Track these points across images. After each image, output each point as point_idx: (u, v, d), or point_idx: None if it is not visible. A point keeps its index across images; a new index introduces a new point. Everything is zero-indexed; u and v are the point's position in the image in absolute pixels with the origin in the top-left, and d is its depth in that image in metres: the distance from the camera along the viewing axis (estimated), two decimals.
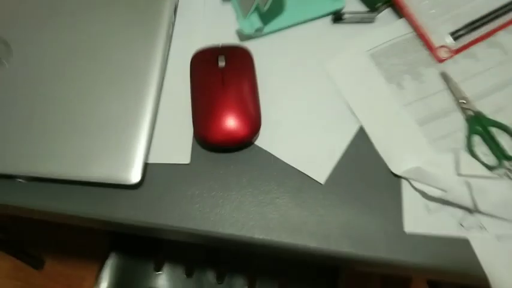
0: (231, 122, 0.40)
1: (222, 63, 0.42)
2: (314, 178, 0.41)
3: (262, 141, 0.42)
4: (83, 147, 0.39)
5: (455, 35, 0.46)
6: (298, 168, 0.41)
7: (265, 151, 0.42)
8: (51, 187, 0.40)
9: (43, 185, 0.40)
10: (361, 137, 0.42)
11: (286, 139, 0.42)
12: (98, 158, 0.38)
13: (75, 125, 0.39)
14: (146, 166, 0.40)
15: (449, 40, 0.46)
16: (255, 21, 0.45)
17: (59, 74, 0.42)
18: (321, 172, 0.41)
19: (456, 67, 0.45)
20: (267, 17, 0.46)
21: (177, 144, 0.41)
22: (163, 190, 0.40)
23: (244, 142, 0.41)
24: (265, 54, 0.45)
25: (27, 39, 0.43)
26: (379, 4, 0.47)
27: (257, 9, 0.44)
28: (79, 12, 0.45)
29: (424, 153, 0.41)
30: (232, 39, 0.47)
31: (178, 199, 0.40)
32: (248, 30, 0.45)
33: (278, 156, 0.42)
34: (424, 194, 0.40)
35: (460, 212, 0.39)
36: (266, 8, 0.43)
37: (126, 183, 0.37)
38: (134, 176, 0.38)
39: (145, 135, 0.39)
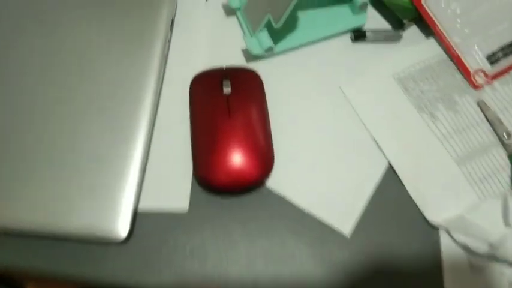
0: (239, 161, 0.33)
1: (227, 89, 0.36)
2: (337, 228, 0.34)
3: (273, 182, 0.36)
4: (58, 194, 0.31)
5: (492, 58, 0.41)
6: (317, 216, 0.35)
7: (277, 194, 0.35)
8: (23, 241, 0.33)
9: (12, 239, 0.33)
10: (390, 177, 0.36)
11: (302, 179, 0.36)
12: (76, 208, 0.31)
13: (49, 164, 0.32)
14: (136, 215, 0.33)
15: (485, 63, 0.40)
16: (265, 39, 0.39)
17: (32, 100, 0.35)
18: (344, 221, 0.34)
19: (494, 95, 0.40)
20: (278, 34, 0.39)
21: (173, 188, 0.35)
22: (157, 243, 0.33)
23: (254, 185, 0.35)
24: (276, 78, 0.39)
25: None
26: (407, 21, 0.41)
27: (268, 25, 0.38)
28: (59, 28, 0.38)
29: (465, 198, 0.35)
30: (238, 60, 0.40)
31: (175, 254, 0.33)
32: (257, 50, 0.39)
33: (292, 201, 0.35)
34: (467, 249, 0.33)
35: (511, 271, 0.33)
36: (280, 24, 0.36)
37: (112, 239, 0.31)
38: (121, 229, 0.31)
39: (135, 177, 0.32)
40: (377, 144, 0.37)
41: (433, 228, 0.34)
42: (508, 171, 0.37)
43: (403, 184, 0.36)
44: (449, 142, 0.37)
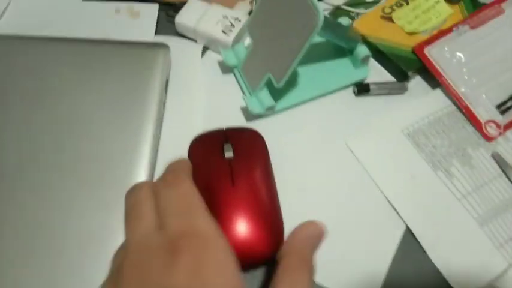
0: (246, 235, 0.30)
1: (229, 154, 0.33)
2: None
3: None
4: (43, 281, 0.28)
5: (503, 107, 0.39)
6: None
7: None
8: None
9: None
10: (410, 242, 0.33)
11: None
12: None
13: (34, 243, 0.29)
14: None
15: (496, 114, 0.39)
16: (265, 97, 0.37)
17: (14, 177, 0.32)
18: None
19: (509, 145, 0.38)
20: (279, 91, 0.37)
21: None
22: None
23: (263, 261, 0.31)
24: (278, 135, 0.37)
25: None
26: (411, 72, 0.40)
27: (268, 83, 0.36)
28: (53, 93, 0.35)
29: (493, 263, 0.32)
30: (237, 119, 0.38)
31: None
32: (257, 109, 0.37)
33: None
34: None
35: None
36: (281, 84, 0.34)
37: None
38: None
39: None
40: (391, 205, 0.34)
41: None
42: None
43: (424, 250, 0.33)
44: (468, 201, 0.35)
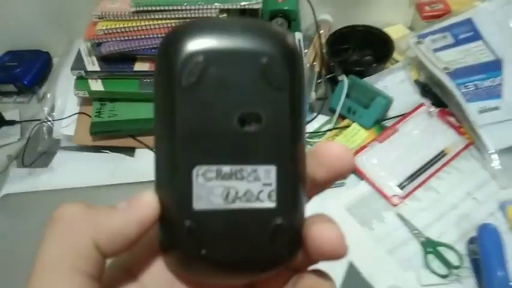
0: None
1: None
2: None
3: None
4: None
5: (401, 186, 0.68)
6: None
7: None
8: None
9: None
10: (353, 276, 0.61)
11: None
12: None
13: None
14: None
15: (397, 190, 0.68)
16: None
17: None
18: None
19: (406, 208, 0.66)
20: None
21: None
22: None
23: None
24: None
25: None
26: None
27: None
28: None
29: (396, 275, 0.59)
30: None
31: None
32: None
33: None
34: None
35: None
36: None
37: None
38: None
39: None
40: None
41: None
42: (421, 253, 0.61)
43: (361, 275, 0.60)
44: (383, 243, 0.62)
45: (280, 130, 0.19)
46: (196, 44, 0.19)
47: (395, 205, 0.66)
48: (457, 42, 0.79)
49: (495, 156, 0.67)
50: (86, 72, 0.76)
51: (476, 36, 0.79)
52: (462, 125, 0.73)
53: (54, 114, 0.83)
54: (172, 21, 0.73)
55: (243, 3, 0.72)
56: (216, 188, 0.19)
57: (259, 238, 0.20)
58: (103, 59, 0.76)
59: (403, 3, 0.92)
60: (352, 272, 0.60)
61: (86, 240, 0.18)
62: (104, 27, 0.72)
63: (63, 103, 0.83)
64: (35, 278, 0.17)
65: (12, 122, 0.87)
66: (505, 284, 0.52)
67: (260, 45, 0.19)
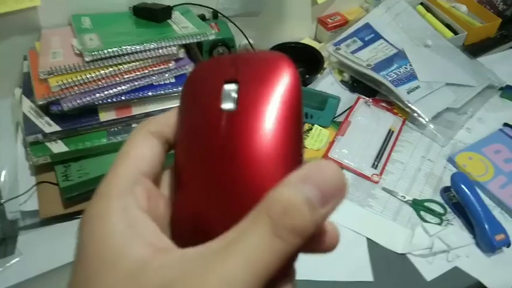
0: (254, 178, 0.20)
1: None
2: None
3: None
4: None
5: (374, 166, 0.80)
6: None
7: None
8: None
9: None
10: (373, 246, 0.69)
11: None
12: None
13: None
14: None
15: (373, 170, 0.79)
16: None
17: None
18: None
19: (386, 182, 0.78)
20: None
21: None
22: None
23: None
24: None
25: None
26: None
27: None
28: None
29: (406, 235, 0.70)
30: None
31: None
32: None
33: None
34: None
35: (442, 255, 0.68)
36: None
37: None
38: None
39: None
40: (353, 231, 0.70)
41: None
42: (414, 212, 0.73)
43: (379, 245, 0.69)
44: (383, 213, 0.73)
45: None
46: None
47: (376, 182, 0.78)
48: (365, 44, 0.97)
49: (430, 124, 0.84)
50: (44, 135, 0.69)
51: (377, 36, 0.98)
52: (393, 107, 0.89)
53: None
54: (131, 64, 0.71)
55: (199, 37, 0.75)
56: None
57: None
58: (60, 117, 0.70)
59: (307, 19, 1.07)
60: (373, 246, 0.69)
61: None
62: (59, 83, 0.67)
63: (12, 178, 0.72)
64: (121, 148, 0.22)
65: None
66: (490, 215, 0.67)
67: None
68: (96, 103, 0.70)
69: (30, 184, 0.71)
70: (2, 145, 0.75)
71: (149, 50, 0.71)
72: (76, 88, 0.68)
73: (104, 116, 0.72)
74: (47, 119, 0.70)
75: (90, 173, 0.72)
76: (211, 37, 0.76)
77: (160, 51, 0.72)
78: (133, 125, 0.74)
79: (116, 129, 0.73)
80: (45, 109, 0.70)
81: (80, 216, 0.70)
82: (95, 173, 0.72)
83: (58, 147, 0.70)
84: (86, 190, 0.71)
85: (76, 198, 0.71)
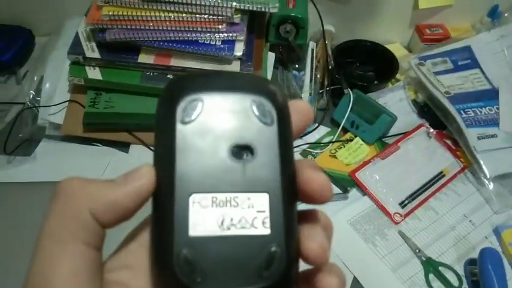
0: None
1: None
2: None
3: None
4: None
5: (402, 204, 0.69)
6: None
7: None
8: None
9: None
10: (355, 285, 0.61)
11: None
12: None
13: None
14: None
15: (399, 208, 0.69)
16: None
17: None
18: None
19: (407, 226, 0.67)
20: None
21: None
22: None
23: None
24: None
25: None
26: (349, 187, 0.71)
27: None
28: None
29: None
30: None
31: None
32: None
33: None
34: None
35: None
36: None
37: None
38: None
39: None
40: (343, 263, 0.62)
41: None
42: (423, 272, 0.62)
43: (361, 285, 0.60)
44: (386, 260, 0.63)
45: (271, 160, 0.21)
46: (196, 88, 0.22)
47: (397, 223, 0.67)
48: (456, 68, 0.83)
49: (490, 182, 0.70)
50: (84, 58, 0.71)
51: (473, 64, 0.83)
52: (458, 149, 0.76)
53: (39, 99, 0.77)
54: (183, 14, 0.69)
55: (259, 6, 0.70)
56: (211, 215, 0.20)
57: (254, 265, 0.20)
58: (104, 46, 0.71)
59: (404, 23, 0.94)
60: (356, 287, 0.60)
61: (84, 212, 0.19)
62: (110, 13, 0.67)
63: (52, 88, 0.77)
64: (38, 246, 0.19)
65: None
66: None
67: (249, 88, 0.22)
68: (138, 43, 0.70)
69: (64, 99, 0.75)
70: (55, 58, 0.80)
71: (204, 5, 0.69)
72: (124, 22, 0.68)
73: (143, 58, 0.72)
74: (93, 44, 0.72)
75: (116, 107, 0.73)
76: (273, 10, 0.71)
77: (215, 9, 0.69)
78: (168, 75, 0.73)
79: (151, 74, 0.73)
80: (94, 35, 0.72)
81: (96, 144, 0.72)
82: (120, 108, 0.73)
83: (94, 73, 0.72)
84: (106, 122, 0.73)
85: (94, 126, 0.73)
